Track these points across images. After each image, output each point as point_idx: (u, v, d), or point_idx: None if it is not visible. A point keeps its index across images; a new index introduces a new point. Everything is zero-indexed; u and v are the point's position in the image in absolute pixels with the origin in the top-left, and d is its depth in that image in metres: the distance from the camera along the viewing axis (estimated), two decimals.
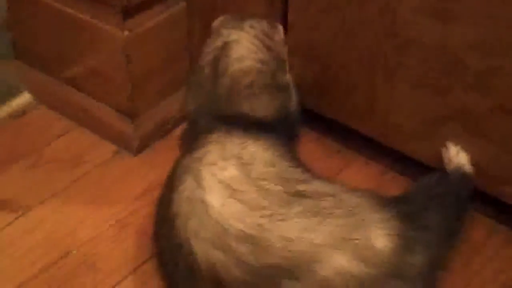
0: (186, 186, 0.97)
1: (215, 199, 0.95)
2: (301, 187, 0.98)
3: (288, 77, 1.17)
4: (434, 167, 1.16)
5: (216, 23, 1.19)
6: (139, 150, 1.33)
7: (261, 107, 1.11)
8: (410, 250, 0.95)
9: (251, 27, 1.12)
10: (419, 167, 1.19)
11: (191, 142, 1.11)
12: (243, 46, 1.09)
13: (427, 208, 1.01)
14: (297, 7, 1.21)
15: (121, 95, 1.31)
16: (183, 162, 1.03)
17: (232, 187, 0.96)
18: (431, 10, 1.04)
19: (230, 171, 0.97)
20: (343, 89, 1.23)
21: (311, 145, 1.33)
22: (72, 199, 1.24)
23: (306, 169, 1.07)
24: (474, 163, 1.11)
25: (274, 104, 1.12)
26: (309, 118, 1.31)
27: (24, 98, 1.45)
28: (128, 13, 1.23)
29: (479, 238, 1.15)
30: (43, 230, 1.19)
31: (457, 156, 1.10)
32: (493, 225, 1.18)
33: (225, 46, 1.10)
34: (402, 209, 0.98)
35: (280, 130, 1.11)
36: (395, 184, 1.25)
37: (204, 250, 0.93)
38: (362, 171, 1.28)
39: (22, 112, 1.43)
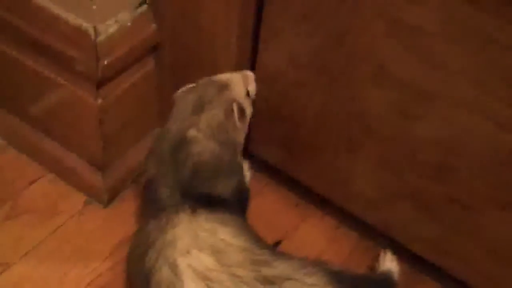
0: (163, 276, 1.07)
1: None
2: (267, 272, 1.10)
3: (240, 159, 1.27)
4: (383, 232, 1.29)
5: (178, 93, 1.27)
6: (109, 201, 1.41)
7: (220, 187, 1.21)
8: None
9: (208, 125, 1.20)
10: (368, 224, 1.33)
11: (153, 205, 1.19)
12: (201, 144, 1.18)
13: None
14: (267, 77, 1.29)
15: (92, 149, 1.39)
16: (152, 237, 1.12)
17: (208, 277, 1.06)
18: (397, 108, 1.15)
19: (206, 261, 1.08)
20: (308, 154, 1.33)
21: (271, 197, 1.44)
22: (50, 254, 1.32)
23: (266, 245, 1.18)
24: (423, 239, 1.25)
25: (231, 184, 1.22)
26: (271, 171, 1.42)
27: None
28: (101, 82, 1.29)
29: None
30: None
31: (391, 263, 1.26)
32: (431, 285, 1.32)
33: (184, 140, 1.18)
34: None
35: (237, 205, 1.22)
36: (346, 238, 1.38)
37: None
38: (318, 225, 1.40)
39: None
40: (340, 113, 1.22)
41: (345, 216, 1.38)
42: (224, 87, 1.22)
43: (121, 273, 1.28)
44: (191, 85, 1.25)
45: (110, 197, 1.41)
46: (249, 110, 1.27)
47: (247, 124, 1.26)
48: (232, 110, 1.21)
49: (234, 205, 1.20)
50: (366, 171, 1.25)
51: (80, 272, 1.30)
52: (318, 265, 1.14)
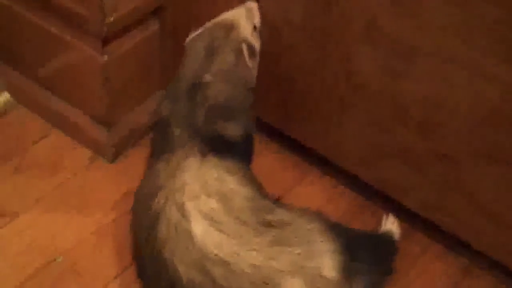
0: (172, 216, 1.12)
1: (199, 229, 1.10)
2: (269, 217, 1.15)
3: (251, 99, 1.30)
4: (378, 189, 1.33)
5: (188, 40, 1.30)
6: (114, 158, 1.45)
7: (231, 129, 1.24)
8: (353, 280, 1.13)
9: (220, 69, 1.24)
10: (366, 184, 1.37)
11: (163, 145, 1.23)
12: (216, 88, 1.22)
13: (365, 249, 1.19)
14: (263, 35, 1.32)
15: (98, 106, 1.43)
16: (161, 180, 1.17)
17: (214, 219, 1.11)
18: (385, 65, 1.18)
19: (213, 205, 1.12)
20: (302, 113, 1.37)
21: (270, 157, 1.47)
22: (54, 206, 1.37)
23: (268, 195, 1.22)
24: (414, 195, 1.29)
25: (242, 125, 1.26)
26: (271, 131, 1.46)
27: (4, 98, 1.54)
28: (107, 39, 1.33)
29: (414, 253, 1.33)
30: (30, 237, 1.31)
31: (393, 225, 1.30)
32: (426, 241, 1.35)
33: (200, 85, 1.22)
34: (346, 242, 1.15)
35: (244, 151, 1.26)
36: (344, 197, 1.42)
37: (187, 271, 1.09)
38: (316, 184, 1.44)
39: (3, 112, 1.52)
40: (332, 71, 1.26)
41: (343, 176, 1.42)
42: (230, 27, 1.24)
43: (124, 225, 1.33)
44: (199, 31, 1.27)
45: (115, 153, 1.45)
46: (258, 45, 1.28)
47: (257, 60, 1.28)
48: (242, 51, 1.23)
49: (241, 151, 1.24)
50: (357, 129, 1.29)
51: (83, 222, 1.34)
52: (317, 215, 1.19)
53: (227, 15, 1.26)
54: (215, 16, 1.26)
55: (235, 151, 1.22)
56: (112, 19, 1.29)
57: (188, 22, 1.39)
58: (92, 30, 1.30)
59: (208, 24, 1.26)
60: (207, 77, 1.21)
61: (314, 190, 1.43)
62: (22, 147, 1.46)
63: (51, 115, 1.49)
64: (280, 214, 1.16)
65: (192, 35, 1.28)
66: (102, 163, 1.45)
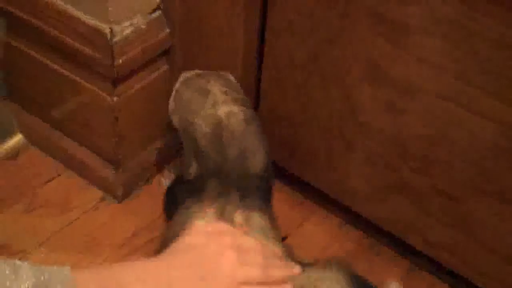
0: None
1: None
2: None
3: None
4: (382, 227, 1.34)
5: (178, 84, 1.33)
6: (123, 197, 1.47)
7: (258, 161, 1.25)
8: None
9: (224, 92, 1.26)
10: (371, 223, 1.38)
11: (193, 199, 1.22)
12: (237, 119, 1.24)
13: None
14: (270, 78, 1.37)
15: (107, 146, 1.46)
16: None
17: None
18: (386, 105, 1.21)
19: None
20: (306, 151, 1.39)
21: (276, 195, 1.48)
22: (63, 245, 1.38)
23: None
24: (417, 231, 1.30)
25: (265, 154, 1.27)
26: (276, 169, 1.47)
27: (17, 139, 1.57)
28: (117, 80, 1.36)
29: None
30: None
31: None
32: (432, 280, 1.36)
33: (222, 122, 1.24)
34: None
35: (266, 186, 1.27)
36: (349, 236, 1.43)
37: None
38: (321, 224, 1.45)
39: (16, 153, 1.56)
40: (335, 110, 1.29)
41: (348, 214, 1.43)
42: None
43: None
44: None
45: (124, 193, 1.47)
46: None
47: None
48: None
49: (264, 187, 1.24)
50: (360, 166, 1.30)
51: (92, 261, 1.36)
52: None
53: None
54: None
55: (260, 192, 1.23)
56: (121, 61, 1.32)
57: (196, 62, 1.43)
58: (102, 72, 1.34)
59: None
60: (224, 108, 1.25)
61: (320, 230, 1.44)
62: (33, 187, 1.49)
63: (62, 155, 1.53)
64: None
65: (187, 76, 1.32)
66: (111, 202, 1.47)
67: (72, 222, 1.43)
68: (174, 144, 1.49)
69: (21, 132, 1.58)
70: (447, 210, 1.22)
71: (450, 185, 1.20)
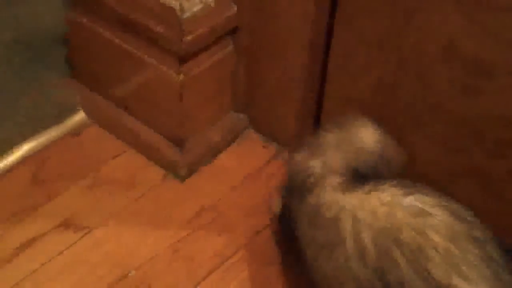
0: None
1: None
2: None
3: None
4: None
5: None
6: (187, 175, 1.47)
7: None
8: None
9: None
10: None
11: None
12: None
13: None
14: (337, 63, 1.35)
15: (171, 125, 1.46)
16: None
17: None
18: (462, 84, 1.19)
19: None
20: None
21: None
22: (128, 221, 1.39)
23: None
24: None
25: None
26: None
27: (80, 117, 1.58)
28: (184, 58, 1.36)
29: None
30: (104, 250, 1.34)
31: None
32: None
33: None
34: None
35: None
36: None
37: None
38: None
39: (78, 131, 1.56)
40: (408, 91, 1.27)
41: None
42: None
43: (197, 241, 1.35)
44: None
45: (188, 172, 1.47)
46: None
47: None
48: None
49: None
50: (430, 148, 1.28)
51: (158, 237, 1.36)
52: None
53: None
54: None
55: None
56: (189, 38, 1.32)
57: (262, 43, 1.42)
58: (170, 49, 1.34)
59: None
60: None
61: None
62: (97, 164, 1.49)
63: (125, 133, 1.53)
64: None
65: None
66: (175, 181, 1.47)
67: (136, 200, 1.43)
68: (238, 123, 1.49)
69: (83, 110, 1.58)
70: None
71: None
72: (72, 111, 1.58)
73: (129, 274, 1.30)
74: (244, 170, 1.49)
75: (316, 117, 1.48)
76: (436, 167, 1.31)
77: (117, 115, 1.54)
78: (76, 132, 1.56)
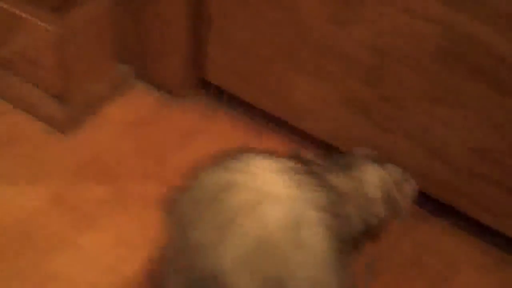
0: None
1: None
2: None
3: None
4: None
5: None
6: (70, 130, 1.46)
7: None
8: None
9: None
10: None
11: None
12: None
13: None
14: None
15: (52, 80, 1.44)
16: None
17: None
18: (331, 17, 1.21)
19: None
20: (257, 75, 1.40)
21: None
22: (9, 177, 1.37)
23: None
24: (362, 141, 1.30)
25: None
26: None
27: None
28: (60, 10, 1.34)
29: None
30: None
31: None
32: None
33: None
34: None
35: None
36: None
37: None
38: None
39: None
40: (280, 26, 1.28)
41: (299, 134, 1.43)
42: None
43: (80, 194, 1.34)
44: None
45: (71, 126, 1.46)
46: None
47: None
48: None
49: None
50: (304, 81, 1.30)
51: (39, 191, 1.35)
52: None
53: None
54: None
55: None
56: None
57: None
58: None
59: None
60: None
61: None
62: None
63: (5, 91, 1.50)
64: None
65: None
66: (58, 136, 1.45)
67: (18, 155, 1.40)
68: (124, 74, 1.47)
69: None
70: (392, 117, 1.24)
71: (395, 92, 1.21)
72: None
73: (10, 226, 1.27)
74: (129, 119, 1.48)
75: (201, 64, 1.48)
76: (310, 97, 1.33)
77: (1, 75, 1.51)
78: None
